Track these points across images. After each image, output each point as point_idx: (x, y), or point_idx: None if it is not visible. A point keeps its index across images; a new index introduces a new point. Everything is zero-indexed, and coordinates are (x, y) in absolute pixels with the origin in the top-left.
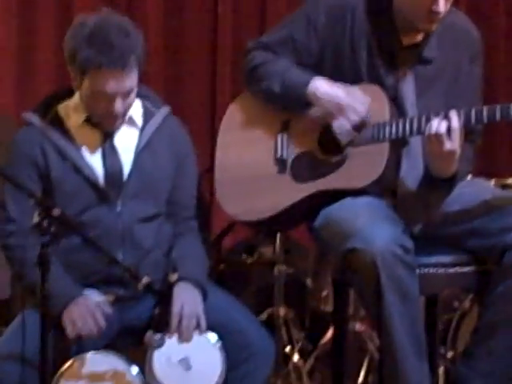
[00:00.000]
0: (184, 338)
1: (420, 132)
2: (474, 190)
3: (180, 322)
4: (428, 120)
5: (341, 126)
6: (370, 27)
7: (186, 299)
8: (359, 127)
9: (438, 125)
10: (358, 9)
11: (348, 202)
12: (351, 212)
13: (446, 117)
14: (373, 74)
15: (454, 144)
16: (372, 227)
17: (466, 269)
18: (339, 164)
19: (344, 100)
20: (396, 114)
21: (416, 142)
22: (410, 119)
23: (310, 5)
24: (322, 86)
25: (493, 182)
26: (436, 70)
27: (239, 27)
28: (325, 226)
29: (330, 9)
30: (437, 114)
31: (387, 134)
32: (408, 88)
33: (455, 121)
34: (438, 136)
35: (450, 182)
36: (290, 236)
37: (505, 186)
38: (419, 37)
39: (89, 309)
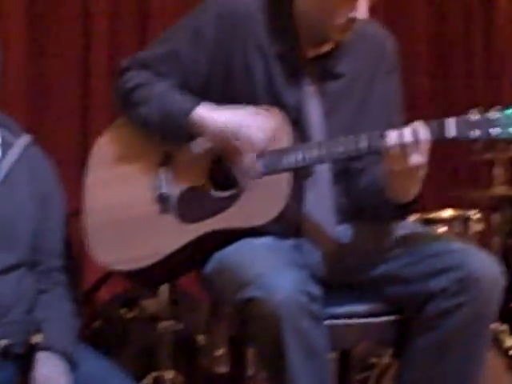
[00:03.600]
0: None
1: (357, 152)
2: (393, 228)
3: None
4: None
5: (235, 159)
6: (267, 38)
7: (49, 374)
8: (258, 158)
9: (401, 135)
10: (253, 17)
11: (244, 243)
12: (248, 255)
13: (411, 127)
14: (271, 93)
15: (422, 157)
16: (272, 273)
17: (383, 319)
18: (233, 200)
19: (237, 129)
20: (299, 140)
21: (322, 172)
22: (319, 143)
23: (196, 14)
24: (208, 114)
25: (415, 217)
26: (346, 86)
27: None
28: (218, 272)
29: (220, 18)
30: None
31: (290, 163)
32: (314, 107)
33: (423, 130)
34: (402, 147)
35: (408, 208)
36: (177, 285)
37: (429, 222)
38: (326, 47)
39: None
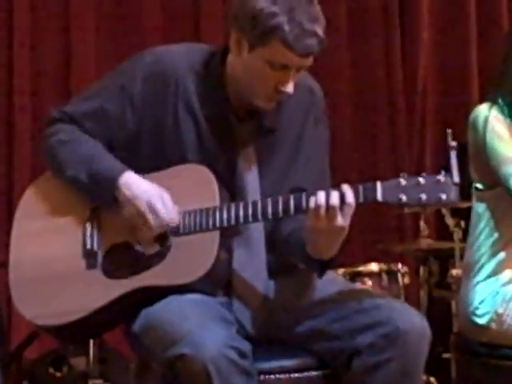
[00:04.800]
0: None
1: (294, 209)
2: (320, 283)
3: None
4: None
5: (142, 236)
6: (197, 99)
7: None
8: (163, 237)
9: (328, 197)
10: (183, 78)
11: (172, 300)
12: (176, 312)
13: (338, 190)
14: (202, 151)
15: (346, 219)
16: (202, 329)
17: (313, 373)
18: (161, 256)
19: (144, 208)
20: (228, 198)
21: (254, 229)
22: (245, 203)
23: (123, 71)
24: (128, 185)
25: (341, 271)
26: (278, 140)
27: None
28: (146, 329)
29: (149, 75)
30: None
31: (217, 222)
32: (247, 165)
33: (350, 194)
34: (328, 209)
35: (328, 264)
36: (106, 343)
37: (357, 275)
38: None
39: None
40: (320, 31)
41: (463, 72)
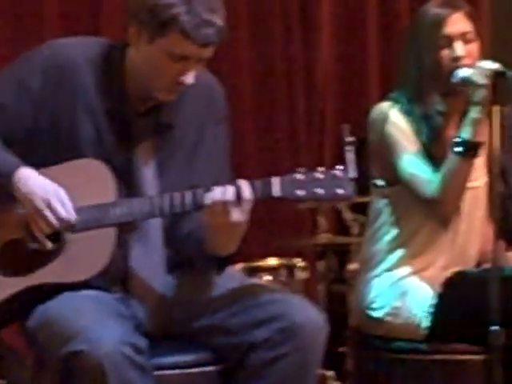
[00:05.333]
0: None
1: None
2: (218, 278)
3: None
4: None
5: (38, 232)
6: (95, 94)
7: None
8: (59, 233)
9: (225, 193)
10: (82, 72)
11: (69, 297)
12: (73, 309)
13: (235, 185)
14: (99, 147)
15: (243, 215)
16: (98, 325)
17: (209, 368)
18: (56, 254)
19: (39, 204)
20: (124, 194)
21: (152, 225)
22: (143, 199)
23: (21, 65)
24: (23, 181)
25: (240, 266)
26: (177, 137)
27: None
28: (42, 326)
29: (47, 69)
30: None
31: (114, 218)
32: (145, 161)
33: (247, 190)
34: (224, 204)
35: (226, 261)
36: (2, 339)
37: (254, 270)
38: (155, 100)
39: None
40: (219, 21)
41: (363, 70)
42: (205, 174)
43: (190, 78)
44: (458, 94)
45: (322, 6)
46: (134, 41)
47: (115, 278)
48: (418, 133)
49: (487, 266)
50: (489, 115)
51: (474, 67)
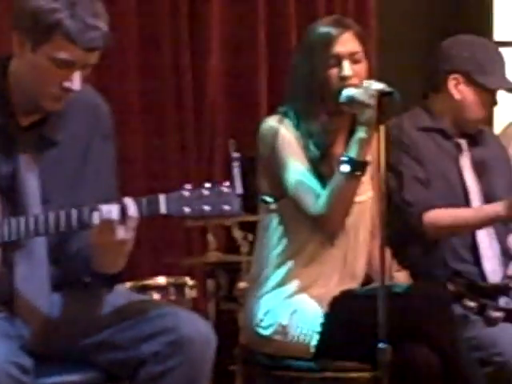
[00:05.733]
0: None
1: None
2: (107, 296)
3: None
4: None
5: None
6: None
7: None
8: None
9: (110, 212)
10: None
11: None
12: None
13: (121, 203)
14: None
15: (128, 233)
16: None
17: None
18: None
19: None
20: (8, 210)
21: (36, 243)
22: (27, 218)
23: None
24: None
25: (129, 284)
26: (62, 153)
27: None
28: None
29: None
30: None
31: None
32: (29, 177)
33: (132, 208)
34: (110, 223)
35: (115, 278)
36: None
37: (144, 289)
38: (40, 115)
39: None
40: (103, 26)
41: (252, 86)
42: (91, 191)
43: (76, 84)
44: (345, 112)
45: (212, 23)
46: (18, 51)
47: (0, 297)
48: (306, 149)
49: (375, 284)
50: (376, 133)
51: (361, 87)
